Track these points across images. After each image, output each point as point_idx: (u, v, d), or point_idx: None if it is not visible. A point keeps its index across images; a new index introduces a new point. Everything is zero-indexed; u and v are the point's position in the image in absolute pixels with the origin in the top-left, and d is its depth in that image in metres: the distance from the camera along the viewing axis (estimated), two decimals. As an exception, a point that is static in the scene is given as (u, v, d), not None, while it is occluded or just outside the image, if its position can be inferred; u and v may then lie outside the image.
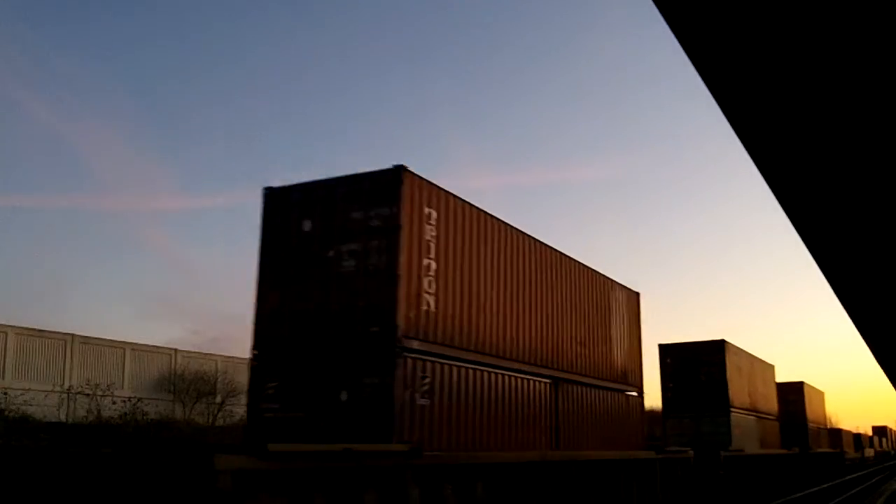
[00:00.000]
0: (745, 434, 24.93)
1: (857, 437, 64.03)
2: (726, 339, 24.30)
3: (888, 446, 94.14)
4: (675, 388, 24.25)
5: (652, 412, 24.73)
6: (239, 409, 25.05)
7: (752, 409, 26.67)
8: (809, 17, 3.12)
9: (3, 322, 22.22)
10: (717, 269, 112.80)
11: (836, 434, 51.23)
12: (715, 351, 24.06)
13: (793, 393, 38.62)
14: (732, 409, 23.75)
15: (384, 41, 72.01)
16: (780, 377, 35.31)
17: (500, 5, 78.27)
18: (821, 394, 46.26)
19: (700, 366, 24.11)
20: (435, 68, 76.41)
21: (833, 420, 74.42)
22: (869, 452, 68.87)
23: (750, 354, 27.15)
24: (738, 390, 24.64)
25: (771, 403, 30.40)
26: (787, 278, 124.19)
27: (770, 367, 31.28)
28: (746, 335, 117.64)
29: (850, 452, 55.04)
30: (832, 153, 4.67)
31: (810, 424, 39.31)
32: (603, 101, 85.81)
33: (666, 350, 24.58)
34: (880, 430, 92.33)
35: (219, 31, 63.38)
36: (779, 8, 3.06)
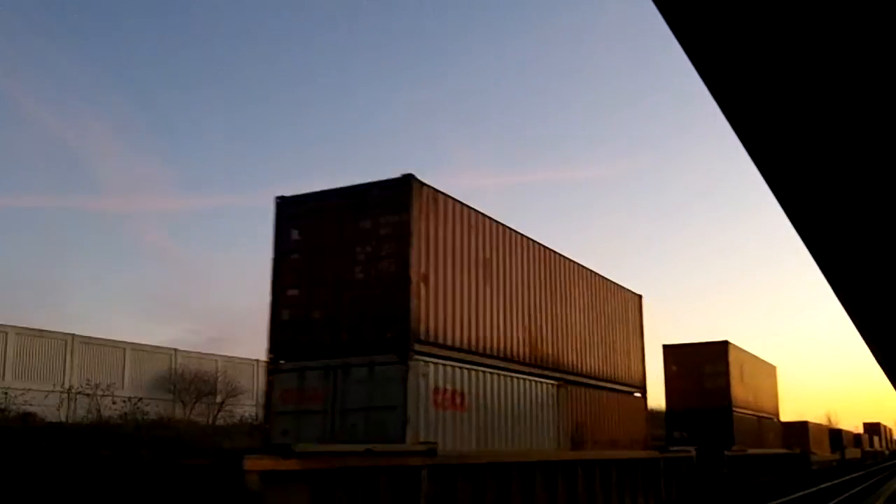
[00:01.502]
0: (492, 412, 10.66)
1: (837, 434, 49.14)
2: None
3: (882, 445, 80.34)
4: (305, 291, 10.02)
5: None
6: (239, 409, 26.45)
7: (537, 364, 12.38)
8: (809, 18, 3.15)
9: (3, 322, 22.36)
10: (717, 269, 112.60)
11: (799, 429, 36.46)
12: (388, 203, 9.80)
13: (709, 360, 24.33)
14: (419, 350, 9.49)
15: (384, 43, 70.64)
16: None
17: (500, 6, 76.41)
18: (770, 368, 31.70)
19: (355, 244, 9.85)
20: (434, 68, 75.23)
21: (833, 420, 60.27)
22: (853, 453, 54.01)
23: (527, 238, 12.74)
24: (448, 298, 10.33)
25: (621, 361, 16.01)
26: (786, 277, 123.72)
27: (630, 298, 16.89)
28: (746, 336, 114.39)
29: (822, 454, 40.40)
30: (831, 153, 4.68)
31: (739, 412, 24.90)
32: (603, 100, 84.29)
33: (284, 208, 10.31)
34: (872, 428, 78.60)
35: (223, 35, 61.14)
36: (778, 9, 3.11)
